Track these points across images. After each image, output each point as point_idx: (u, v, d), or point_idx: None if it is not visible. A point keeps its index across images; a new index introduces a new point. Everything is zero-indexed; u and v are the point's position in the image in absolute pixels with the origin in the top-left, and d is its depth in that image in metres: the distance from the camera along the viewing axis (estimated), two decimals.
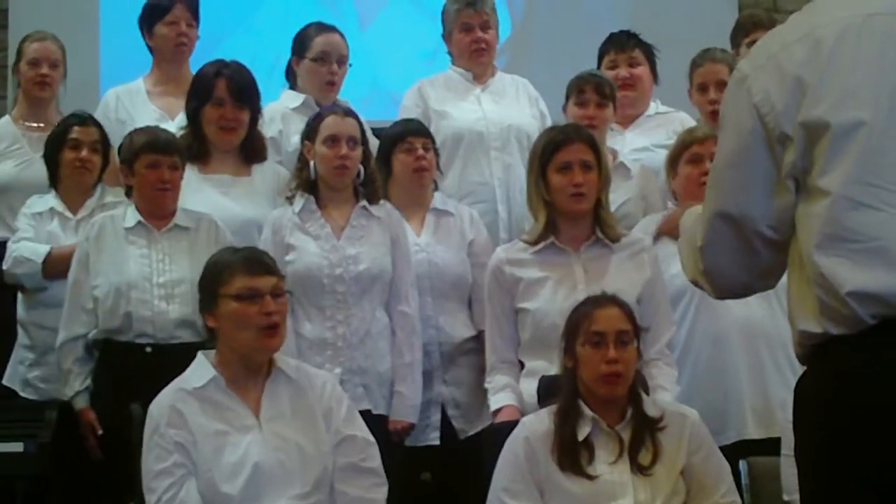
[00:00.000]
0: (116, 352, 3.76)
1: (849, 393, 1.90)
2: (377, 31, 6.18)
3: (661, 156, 4.21)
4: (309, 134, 3.93)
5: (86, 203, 4.22)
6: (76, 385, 3.79)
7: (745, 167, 2.00)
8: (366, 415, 3.46)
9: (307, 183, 3.89)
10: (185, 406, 3.01)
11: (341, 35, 4.54)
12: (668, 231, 3.79)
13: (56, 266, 4.01)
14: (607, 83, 4.31)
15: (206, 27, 4.75)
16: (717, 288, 2.12)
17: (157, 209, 3.87)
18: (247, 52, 5.25)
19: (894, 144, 1.90)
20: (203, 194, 4.06)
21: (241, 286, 3.06)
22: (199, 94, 4.13)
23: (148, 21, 4.63)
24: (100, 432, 3.76)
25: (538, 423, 3.15)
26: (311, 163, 3.88)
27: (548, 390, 3.35)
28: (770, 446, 3.40)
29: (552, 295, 3.55)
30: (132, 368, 3.68)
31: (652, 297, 3.59)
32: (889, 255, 1.88)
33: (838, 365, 1.92)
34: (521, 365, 3.61)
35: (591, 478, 3.07)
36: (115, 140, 4.21)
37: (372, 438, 3.16)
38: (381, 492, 3.12)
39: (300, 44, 4.52)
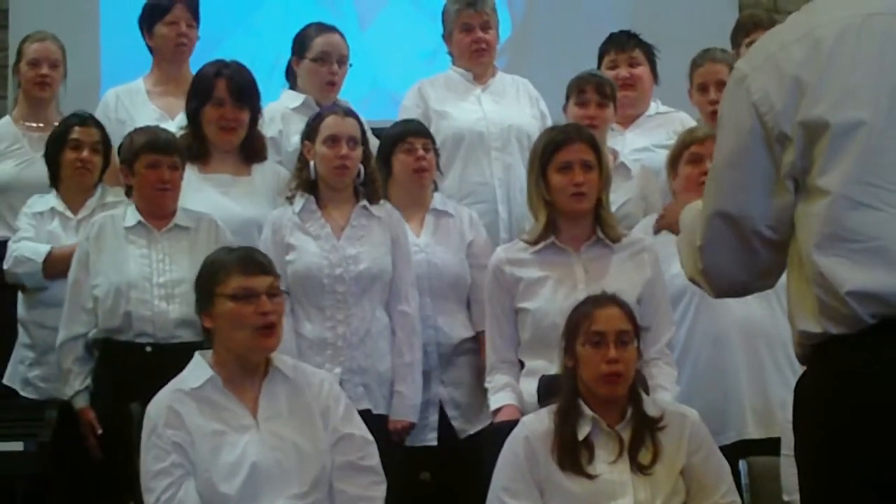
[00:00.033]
0: (116, 351, 3.76)
1: (848, 393, 1.90)
2: (377, 31, 6.18)
3: (662, 156, 4.21)
4: (309, 134, 3.93)
5: (86, 203, 4.22)
6: (76, 384, 3.79)
7: (744, 167, 1.99)
8: (366, 414, 3.46)
9: (307, 183, 3.89)
10: (182, 406, 3.01)
11: (341, 35, 4.54)
12: (667, 225, 3.78)
13: (56, 266, 4.01)
14: (608, 83, 4.31)
15: (206, 27, 4.75)
16: (715, 287, 2.12)
17: (158, 209, 3.87)
18: (247, 52, 5.25)
19: (894, 144, 1.90)
20: (203, 194, 4.06)
21: (236, 286, 3.06)
22: (199, 94, 4.13)
23: (148, 21, 4.64)
24: (100, 432, 3.76)
25: (538, 423, 3.15)
26: (312, 163, 3.88)
27: (548, 390, 3.35)
28: (770, 446, 3.39)
29: (552, 295, 3.54)
30: (132, 368, 3.68)
31: (652, 297, 3.58)
32: (889, 255, 1.88)
33: (838, 365, 1.92)
34: (521, 364, 3.61)
35: (590, 477, 3.07)
36: (115, 140, 4.21)
37: (370, 437, 3.16)
38: (380, 490, 3.11)
39: (300, 44, 4.52)
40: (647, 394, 3.30)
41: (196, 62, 4.50)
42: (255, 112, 4.18)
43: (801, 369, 2.03)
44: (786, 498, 3.17)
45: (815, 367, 1.98)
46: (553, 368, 3.37)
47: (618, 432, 3.13)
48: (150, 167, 3.83)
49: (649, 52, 4.68)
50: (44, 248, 4.05)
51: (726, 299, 2.96)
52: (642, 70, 4.65)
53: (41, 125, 4.59)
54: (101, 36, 6.10)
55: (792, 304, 2.01)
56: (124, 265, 3.80)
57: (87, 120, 4.25)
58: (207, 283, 3.12)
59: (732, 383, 3.69)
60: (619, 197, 4.09)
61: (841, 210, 1.90)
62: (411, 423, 3.83)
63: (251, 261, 3.14)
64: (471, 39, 4.57)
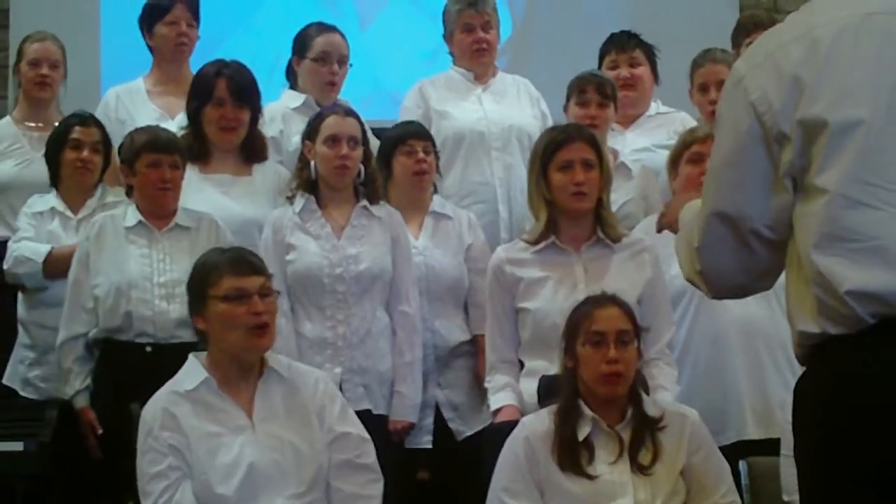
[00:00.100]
0: (117, 351, 3.76)
1: (848, 393, 1.89)
2: (377, 31, 6.18)
3: (662, 156, 4.21)
4: (310, 134, 3.93)
5: (87, 203, 4.22)
6: (76, 384, 3.79)
7: (742, 166, 1.99)
8: (366, 415, 3.46)
9: (308, 183, 3.89)
10: (177, 408, 3.01)
11: (342, 35, 4.54)
12: (668, 223, 3.77)
13: (57, 265, 4.01)
14: (608, 83, 4.31)
15: (206, 27, 4.76)
16: (713, 288, 2.11)
17: (158, 209, 3.87)
18: (247, 52, 5.24)
19: (892, 143, 1.90)
20: (204, 194, 4.06)
21: (228, 287, 3.06)
22: (200, 93, 4.14)
23: (148, 21, 4.64)
24: (100, 431, 3.76)
25: (538, 423, 3.15)
26: (312, 163, 3.88)
27: (548, 390, 3.34)
28: (770, 446, 3.39)
29: (552, 295, 3.54)
30: (132, 368, 3.68)
31: (652, 297, 3.58)
32: (888, 254, 1.87)
33: (837, 365, 1.92)
34: (521, 364, 3.61)
35: (591, 478, 3.06)
36: (116, 140, 4.22)
37: (366, 435, 3.15)
38: (377, 488, 3.11)
39: (301, 44, 4.52)
40: (648, 394, 3.30)
41: (196, 62, 4.50)
42: (256, 112, 4.19)
43: (800, 370, 2.03)
44: (786, 498, 3.17)
45: (814, 368, 1.97)
46: (553, 368, 3.36)
47: (618, 432, 3.13)
48: (150, 166, 3.84)
49: (650, 53, 4.68)
50: (44, 248, 4.06)
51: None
52: (643, 70, 4.65)
53: (41, 125, 4.59)
54: (101, 36, 6.10)
55: (791, 304, 2.00)
56: (125, 265, 3.80)
57: (87, 120, 4.25)
58: (199, 284, 3.12)
59: (732, 383, 3.69)
60: (619, 197, 4.09)
61: (839, 209, 1.90)
62: (411, 423, 3.83)
63: (242, 261, 3.13)
64: (472, 39, 4.57)
